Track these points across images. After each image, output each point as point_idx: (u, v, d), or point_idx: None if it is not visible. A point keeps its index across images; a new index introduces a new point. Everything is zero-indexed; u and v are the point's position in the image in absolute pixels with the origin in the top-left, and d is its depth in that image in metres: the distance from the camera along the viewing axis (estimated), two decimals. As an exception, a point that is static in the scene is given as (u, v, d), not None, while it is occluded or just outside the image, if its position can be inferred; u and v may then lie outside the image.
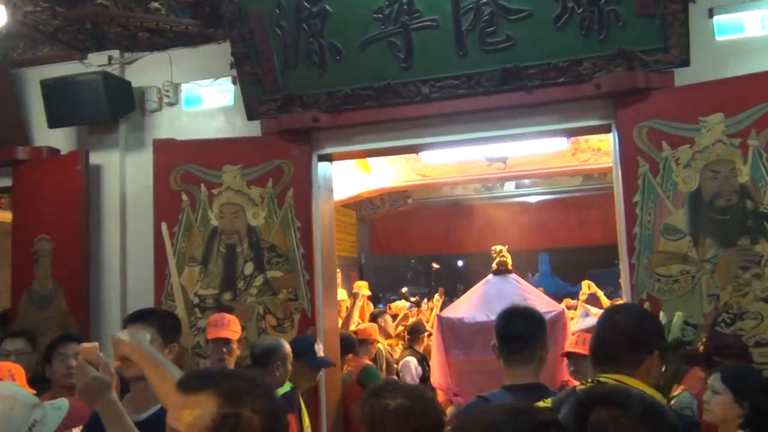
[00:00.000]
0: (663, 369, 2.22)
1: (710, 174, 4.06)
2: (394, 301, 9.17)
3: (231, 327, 4.13)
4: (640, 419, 1.37)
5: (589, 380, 2.09)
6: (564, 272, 12.26)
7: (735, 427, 2.86)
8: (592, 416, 1.40)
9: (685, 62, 4.12)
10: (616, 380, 1.97)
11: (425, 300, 9.05)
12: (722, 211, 4.02)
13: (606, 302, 7.03)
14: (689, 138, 4.10)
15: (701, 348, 3.63)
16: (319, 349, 4.03)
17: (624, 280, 4.39)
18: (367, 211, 10.21)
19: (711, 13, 4.40)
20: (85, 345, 1.96)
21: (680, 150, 4.12)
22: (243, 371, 2.28)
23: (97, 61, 5.46)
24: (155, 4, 5.00)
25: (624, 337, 2.07)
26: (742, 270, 3.94)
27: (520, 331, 2.51)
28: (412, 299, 8.58)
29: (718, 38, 4.40)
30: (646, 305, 3.96)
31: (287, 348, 3.78)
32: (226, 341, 4.04)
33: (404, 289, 9.56)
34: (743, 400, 2.84)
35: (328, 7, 4.49)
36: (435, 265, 11.11)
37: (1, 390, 2.01)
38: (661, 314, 3.88)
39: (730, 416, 2.86)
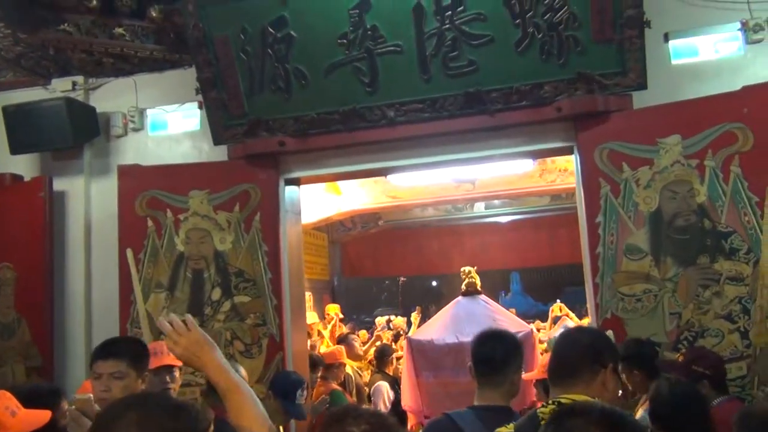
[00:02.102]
0: (620, 391, 2.27)
1: (669, 194, 4.14)
2: (363, 327, 9.06)
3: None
4: (597, 424, 1.40)
5: (550, 402, 2.12)
6: (535, 291, 12.36)
7: None
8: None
9: (643, 85, 4.22)
10: (575, 400, 2.01)
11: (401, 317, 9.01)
12: (682, 230, 4.10)
13: (577, 322, 7.12)
14: (648, 159, 4.19)
15: (680, 359, 3.66)
16: (302, 396, 3.71)
17: (589, 299, 4.44)
18: (339, 233, 10.22)
19: (666, 38, 4.52)
20: (80, 396, 1.92)
21: (640, 171, 4.21)
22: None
23: (60, 86, 5.43)
24: (119, 30, 5.01)
25: (579, 352, 2.16)
26: (702, 288, 4.02)
27: (492, 354, 2.58)
28: (397, 319, 8.52)
29: (674, 62, 4.53)
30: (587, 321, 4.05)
31: (242, 372, 3.69)
32: (169, 369, 3.60)
33: (394, 317, 9.52)
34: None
35: (292, 32, 4.53)
36: (402, 278, 11.17)
37: None
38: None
39: None
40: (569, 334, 2.40)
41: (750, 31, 4.36)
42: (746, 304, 3.94)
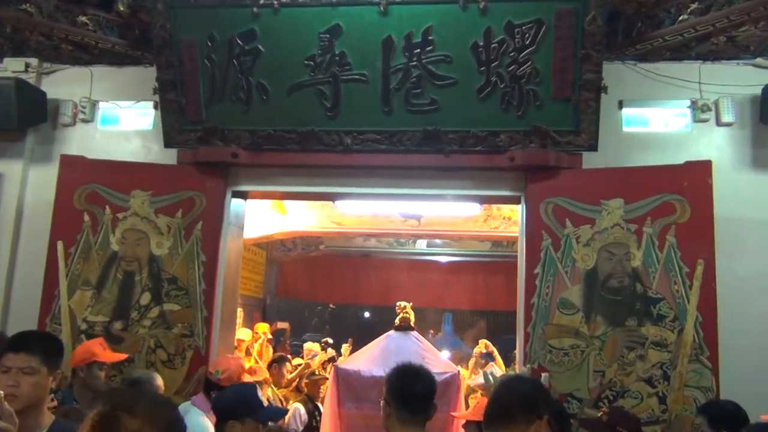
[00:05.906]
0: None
1: (606, 255, 4.28)
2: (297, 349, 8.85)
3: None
4: None
5: (483, 445, 2.14)
6: (466, 334, 12.43)
7: None
8: None
9: (594, 147, 4.37)
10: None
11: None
12: (614, 291, 4.23)
13: (501, 364, 7.16)
14: (591, 219, 4.33)
15: (603, 417, 3.72)
16: (262, 396, 3.62)
17: (518, 347, 4.51)
18: (278, 252, 10.09)
19: (620, 105, 4.72)
20: None
21: (581, 229, 4.33)
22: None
23: (12, 66, 5.27)
24: (83, 18, 4.90)
25: (519, 400, 2.18)
26: (628, 350, 4.13)
27: (427, 391, 2.54)
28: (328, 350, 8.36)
29: (625, 129, 4.72)
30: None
31: (159, 381, 3.58)
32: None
33: (328, 340, 9.29)
34: None
35: (260, 47, 4.52)
36: (331, 306, 11.05)
37: None
38: (543, 375, 4.03)
39: None
40: (509, 383, 2.40)
41: (698, 110, 4.59)
42: (667, 370, 4.07)
